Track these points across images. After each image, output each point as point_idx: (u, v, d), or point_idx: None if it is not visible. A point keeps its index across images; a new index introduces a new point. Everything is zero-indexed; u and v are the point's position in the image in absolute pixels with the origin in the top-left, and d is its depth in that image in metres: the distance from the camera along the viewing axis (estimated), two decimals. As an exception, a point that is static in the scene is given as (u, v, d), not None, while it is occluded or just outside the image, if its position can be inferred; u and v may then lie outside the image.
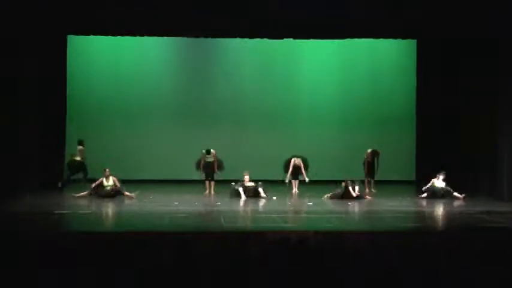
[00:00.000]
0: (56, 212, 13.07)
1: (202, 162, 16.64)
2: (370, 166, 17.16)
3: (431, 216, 13.70)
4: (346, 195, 15.47)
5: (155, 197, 15.76)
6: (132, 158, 18.69)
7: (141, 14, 15.96)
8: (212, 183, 16.61)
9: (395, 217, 13.31)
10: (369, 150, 17.25)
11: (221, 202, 14.77)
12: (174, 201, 14.76)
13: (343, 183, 15.61)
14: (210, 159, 16.57)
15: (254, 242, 10.72)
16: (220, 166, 16.65)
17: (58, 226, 11.86)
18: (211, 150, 16.60)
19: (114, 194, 15.69)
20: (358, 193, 15.53)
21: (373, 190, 16.90)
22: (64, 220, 12.50)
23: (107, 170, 15.81)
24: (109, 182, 15.80)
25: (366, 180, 17.11)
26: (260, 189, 15.64)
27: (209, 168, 16.58)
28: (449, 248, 9.44)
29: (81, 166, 17.18)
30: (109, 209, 14.13)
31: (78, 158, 17.19)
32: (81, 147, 17.23)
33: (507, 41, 14.92)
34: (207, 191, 16.52)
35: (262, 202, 15.13)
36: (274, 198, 15.40)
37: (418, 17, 16.09)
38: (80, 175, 17.18)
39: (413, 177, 19.14)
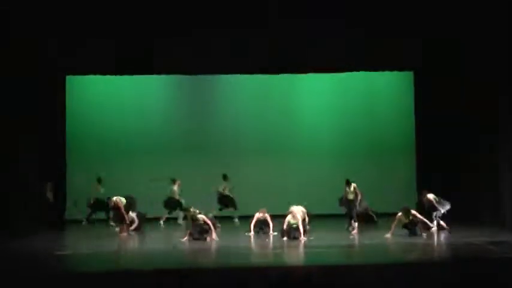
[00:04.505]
0: (58, 252, 12.99)
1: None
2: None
3: (438, 248, 13.58)
4: None
5: (154, 234, 15.68)
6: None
7: (139, 54, 16.07)
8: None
9: (400, 249, 13.21)
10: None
11: (222, 239, 14.65)
12: (176, 239, 14.67)
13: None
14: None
15: (255, 279, 10.66)
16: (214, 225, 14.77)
17: (60, 267, 11.77)
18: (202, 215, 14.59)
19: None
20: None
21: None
22: (66, 261, 12.40)
23: None
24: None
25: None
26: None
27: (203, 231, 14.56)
28: (458, 281, 9.36)
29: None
30: (111, 248, 14.02)
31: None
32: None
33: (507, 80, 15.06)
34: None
35: (261, 238, 14.99)
36: (276, 233, 15.28)
37: (415, 49, 16.23)
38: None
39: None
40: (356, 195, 15.78)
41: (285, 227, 14.52)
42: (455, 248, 13.12)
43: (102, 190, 17.67)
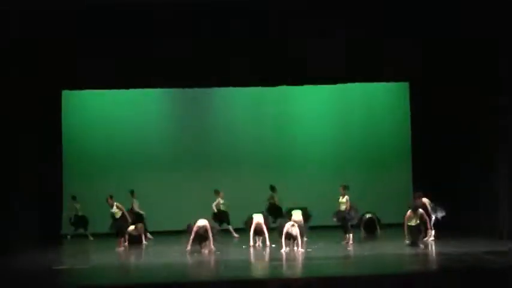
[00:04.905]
0: (55, 267, 12.95)
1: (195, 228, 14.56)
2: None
3: (433, 259, 13.58)
4: None
5: (153, 249, 15.64)
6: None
7: (134, 67, 16.09)
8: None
9: (396, 260, 13.21)
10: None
11: (220, 251, 14.63)
12: (173, 252, 14.65)
13: None
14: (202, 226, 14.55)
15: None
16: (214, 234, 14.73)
17: (57, 282, 11.75)
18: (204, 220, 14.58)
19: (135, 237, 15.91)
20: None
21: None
22: (63, 276, 12.37)
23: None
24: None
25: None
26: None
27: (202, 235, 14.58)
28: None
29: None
30: (108, 262, 13.97)
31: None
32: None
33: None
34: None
35: (259, 250, 14.98)
36: (273, 245, 15.27)
37: (410, 60, 16.30)
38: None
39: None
40: (346, 206, 15.74)
41: (284, 231, 14.41)
42: (452, 258, 13.09)
43: (137, 202, 17.68)
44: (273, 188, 18.29)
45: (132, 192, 17.73)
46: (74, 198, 18.00)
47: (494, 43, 15.22)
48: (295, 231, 14.34)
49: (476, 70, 15.97)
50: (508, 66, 14.91)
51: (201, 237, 14.37)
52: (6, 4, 13.58)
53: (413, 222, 14.78)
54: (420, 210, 14.85)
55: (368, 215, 17.10)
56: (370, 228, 17.28)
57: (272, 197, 18.25)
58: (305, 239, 15.12)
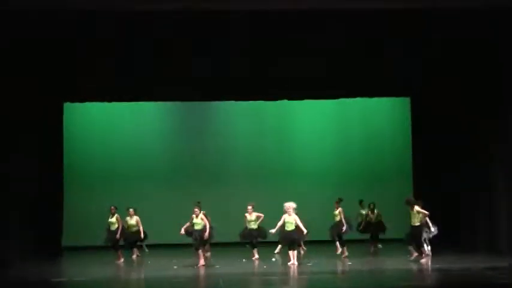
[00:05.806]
0: (53, 279, 12.94)
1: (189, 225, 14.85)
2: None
3: (434, 274, 13.54)
4: None
5: (152, 262, 15.63)
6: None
7: (135, 81, 16.15)
8: (208, 254, 14.71)
9: (397, 275, 13.18)
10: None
11: (219, 265, 14.61)
12: (173, 266, 14.63)
13: None
14: (198, 226, 14.69)
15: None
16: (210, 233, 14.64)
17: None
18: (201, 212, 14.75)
19: (137, 238, 15.84)
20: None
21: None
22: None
23: (131, 210, 15.85)
24: (133, 221, 15.72)
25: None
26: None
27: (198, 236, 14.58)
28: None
29: None
30: (106, 275, 13.95)
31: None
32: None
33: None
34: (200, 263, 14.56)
35: (259, 264, 14.95)
36: (274, 259, 15.26)
37: (411, 75, 16.32)
38: None
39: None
40: (340, 219, 15.72)
41: (278, 225, 14.35)
42: (452, 274, 13.07)
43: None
44: (368, 205, 17.47)
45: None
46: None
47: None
48: (293, 216, 14.27)
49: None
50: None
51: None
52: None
53: (416, 222, 14.64)
54: (417, 207, 14.62)
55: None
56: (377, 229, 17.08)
57: (364, 215, 17.41)
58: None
